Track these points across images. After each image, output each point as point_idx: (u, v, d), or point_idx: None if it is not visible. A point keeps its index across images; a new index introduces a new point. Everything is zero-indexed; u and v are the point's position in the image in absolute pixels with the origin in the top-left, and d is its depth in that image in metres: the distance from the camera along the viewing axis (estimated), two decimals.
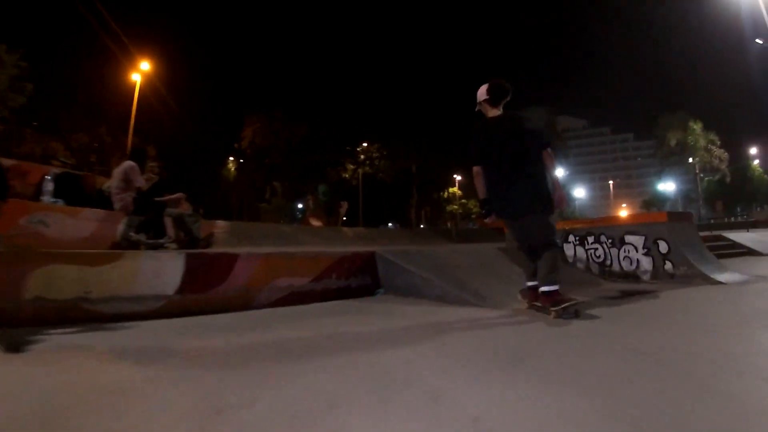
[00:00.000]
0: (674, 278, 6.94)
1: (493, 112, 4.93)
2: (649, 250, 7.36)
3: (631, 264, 7.59)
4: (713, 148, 62.31)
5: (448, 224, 59.92)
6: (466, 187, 60.85)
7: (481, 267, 6.91)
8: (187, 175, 46.02)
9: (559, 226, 8.69)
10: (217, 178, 49.07)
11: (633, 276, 7.48)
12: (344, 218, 39.20)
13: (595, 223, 8.86)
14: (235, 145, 36.55)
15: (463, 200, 60.97)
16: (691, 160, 63.16)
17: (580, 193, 76.67)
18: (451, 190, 60.38)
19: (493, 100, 4.92)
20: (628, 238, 7.68)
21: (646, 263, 7.38)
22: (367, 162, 39.74)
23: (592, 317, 4.18)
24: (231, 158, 46.10)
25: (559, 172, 65.94)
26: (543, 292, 4.52)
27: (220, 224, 12.76)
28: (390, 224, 67.30)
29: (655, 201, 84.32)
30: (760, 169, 70.50)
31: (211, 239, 10.40)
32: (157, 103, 34.21)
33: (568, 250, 8.70)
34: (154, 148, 41.41)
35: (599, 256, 8.19)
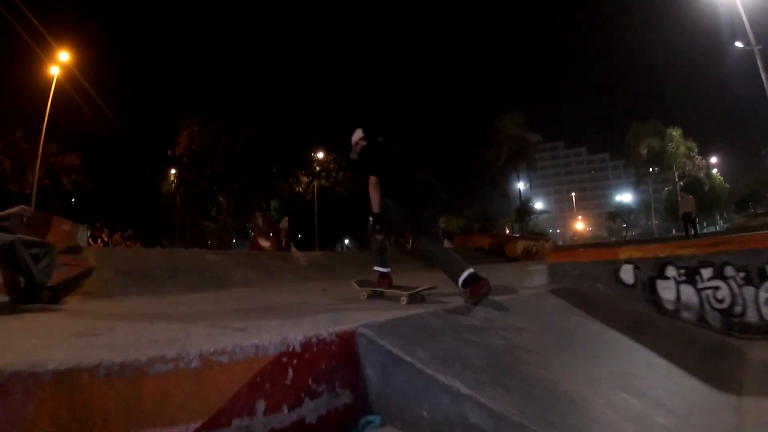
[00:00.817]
0: None
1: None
2: None
3: None
4: (694, 155, 60.72)
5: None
6: None
7: (562, 346, 3.92)
8: (118, 189, 41.29)
9: (644, 252, 6.01)
10: (156, 193, 44.30)
11: None
12: (284, 238, 35.18)
13: (717, 245, 5.46)
14: (168, 152, 31.89)
15: None
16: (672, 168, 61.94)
17: (539, 205, 74.96)
18: None
19: (369, 136, 5.55)
20: None
21: None
22: (323, 174, 35.39)
23: None
24: (173, 170, 41.44)
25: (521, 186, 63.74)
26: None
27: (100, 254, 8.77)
28: (347, 241, 63.53)
29: (620, 212, 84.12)
30: (720, 177, 70.18)
31: (73, 285, 6.55)
32: (81, 103, 29.67)
33: (666, 291, 5.56)
34: (78, 156, 36.88)
35: (722, 299, 5.22)
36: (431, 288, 4.97)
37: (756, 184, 63.87)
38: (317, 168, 35.32)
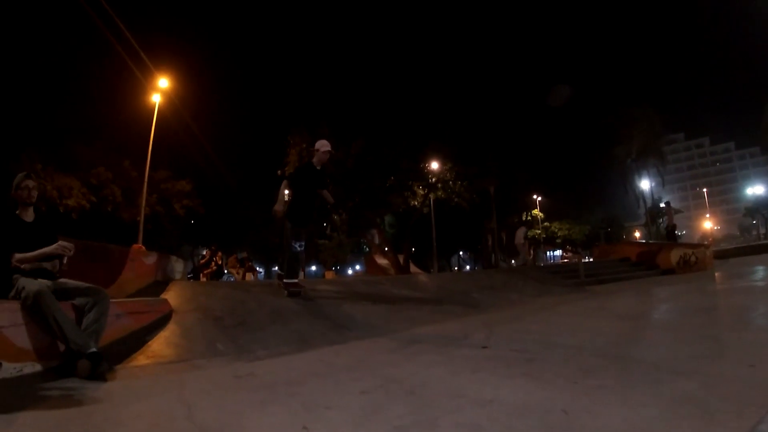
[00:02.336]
0: None
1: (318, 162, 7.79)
2: None
3: None
4: None
5: (530, 252, 53.14)
6: (550, 208, 53.91)
7: None
8: (230, 212, 41.06)
9: None
10: (269, 213, 42.41)
11: None
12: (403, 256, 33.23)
13: None
14: (278, 172, 30.75)
15: (546, 223, 53.89)
16: None
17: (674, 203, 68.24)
18: (533, 212, 53.37)
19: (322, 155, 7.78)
20: None
21: None
22: (440, 185, 33.03)
23: None
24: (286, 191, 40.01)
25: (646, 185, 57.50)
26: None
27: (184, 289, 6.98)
28: (461, 253, 60.90)
29: (759, 207, 74.82)
30: None
31: (138, 341, 4.80)
32: (187, 130, 29.37)
33: None
34: (190, 182, 36.97)
35: None
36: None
37: None
38: (433, 179, 33.05)
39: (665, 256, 18.76)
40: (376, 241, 36.13)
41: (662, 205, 21.85)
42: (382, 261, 35.23)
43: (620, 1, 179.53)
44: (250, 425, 2.48)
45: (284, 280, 7.59)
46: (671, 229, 22.32)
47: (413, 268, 34.33)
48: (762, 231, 76.95)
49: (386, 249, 35.31)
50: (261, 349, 5.02)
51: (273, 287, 8.02)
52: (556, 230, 53.76)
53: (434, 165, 33.16)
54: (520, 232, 23.57)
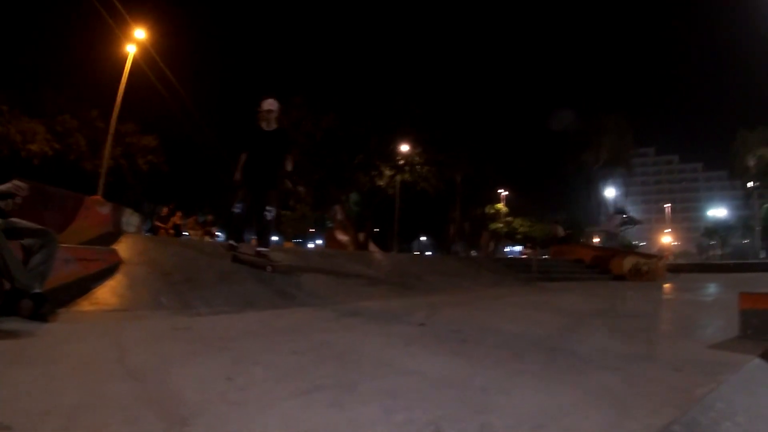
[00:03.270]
0: None
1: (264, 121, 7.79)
2: None
3: None
4: None
5: (490, 245, 53.70)
6: (514, 204, 54.59)
7: None
8: (195, 174, 40.41)
9: None
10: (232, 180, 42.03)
11: None
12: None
13: None
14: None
15: (508, 218, 54.46)
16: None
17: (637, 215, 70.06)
18: (496, 206, 53.92)
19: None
20: None
21: None
22: (407, 168, 33.10)
23: None
24: None
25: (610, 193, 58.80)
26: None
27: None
28: (423, 238, 61.47)
29: (717, 228, 77.34)
30: None
31: (83, 288, 4.82)
32: (158, 85, 28.64)
33: None
34: (156, 138, 36.33)
35: None
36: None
37: None
38: (401, 161, 33.14)
39: (618, 263, 19.18)
40: (339, 217, 36.12)
41: (619, 213, 22.05)
42: (342, 237, 35.30)
43: (604, 13, 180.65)
44: (176, 372, 2.56)
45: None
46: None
47: (372, 246, 34.47)
48: (719, 252, 79.19)
49: (347, 226, 35.39)
50: (204, 306, 5.09)
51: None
52: (518, 226, 54.32)
53: (404, 147, 33.24)
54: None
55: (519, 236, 55.17)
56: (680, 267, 30.40)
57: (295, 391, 2.32)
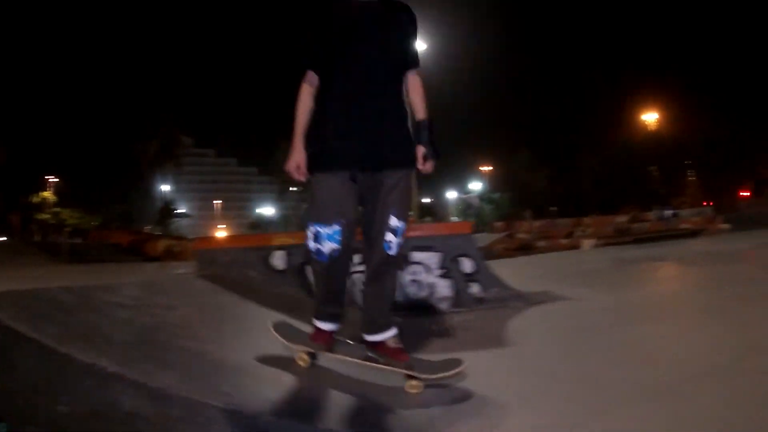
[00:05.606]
0: (484, 303, 5.22)
1: None
2: (449, 270, 5.39)
3: (421, 289, 5.37)
4: None
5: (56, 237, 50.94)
6: (66, 193, 52.77)
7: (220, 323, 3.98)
8: None
9: (296, 239, 5.74)
10: None
11: (425, 305, 5.26)
12: None
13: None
14: None
15: (56, 209, 52.42)
16: None
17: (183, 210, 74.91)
18: (42, 194, 51.32)
19: None
20: (417, 256, 5.42)
21: (445, 288, 5.35)
22: None
23: None
24: None
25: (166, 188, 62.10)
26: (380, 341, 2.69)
27: None
28: None
29: (261, 223, 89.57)
30: None
31: None
32: None
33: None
34: None
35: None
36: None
37: None
38: None
39: (153, 245, 21.94)
40: None
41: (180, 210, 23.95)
42: None
43: None
44: None
45: None
46: None
47: None
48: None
49: None
50: None
51: None
52: (67, 217, 52.70)
53: None
54: None
55: (68, 228, 53.65)
56: None
57: None
